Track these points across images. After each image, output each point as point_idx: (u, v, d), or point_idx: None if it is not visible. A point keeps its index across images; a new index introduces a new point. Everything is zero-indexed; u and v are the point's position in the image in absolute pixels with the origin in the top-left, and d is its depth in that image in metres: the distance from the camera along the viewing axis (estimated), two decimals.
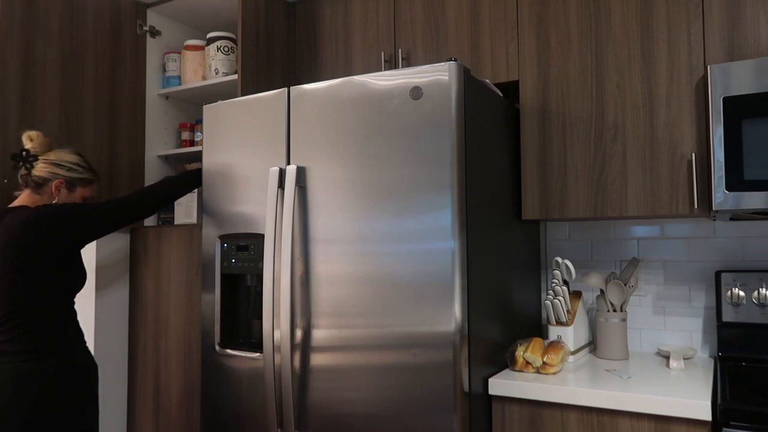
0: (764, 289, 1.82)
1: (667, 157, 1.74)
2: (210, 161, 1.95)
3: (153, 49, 2.60)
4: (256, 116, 1.85)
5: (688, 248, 2.02)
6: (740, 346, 1.84)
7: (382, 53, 2.23)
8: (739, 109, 1.57)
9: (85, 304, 2.37)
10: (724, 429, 1.37)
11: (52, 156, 1.79)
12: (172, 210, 2.52)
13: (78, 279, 1.77)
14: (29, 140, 1.79)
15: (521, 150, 1.95)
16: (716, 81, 1.60)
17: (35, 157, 1.78)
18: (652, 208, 1.75)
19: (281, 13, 2.44)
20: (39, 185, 1.78)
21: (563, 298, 1.88)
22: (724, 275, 1.88)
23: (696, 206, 1.68)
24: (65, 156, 1.80)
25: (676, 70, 1.74)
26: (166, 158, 2.63)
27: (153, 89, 2.59)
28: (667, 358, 1.94)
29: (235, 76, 2.37)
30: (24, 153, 1.77)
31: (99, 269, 2.37)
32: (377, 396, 1.58)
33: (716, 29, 1.69)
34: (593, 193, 1.83)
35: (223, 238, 1.90)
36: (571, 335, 1.86)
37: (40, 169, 1.77)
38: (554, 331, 1.88)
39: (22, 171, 1.78)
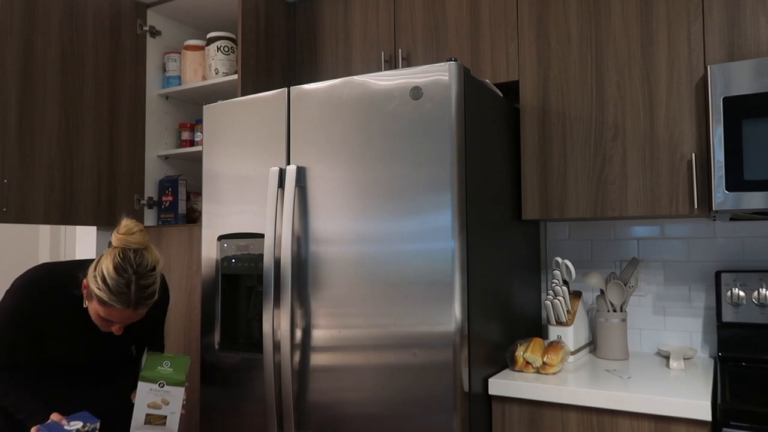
0: (764, 289, 1.82)
1: (667, 157, 1.74)
2: (210, 161, 1.95)
3: (153, 49, 2.60)
4: (256, 116, 1.85)
5: (688, 248, 2.02)
6: (740, 346, 1.84)
7: (382, 53, 2.23)
8: (739, 109, 1.57)
9: None
10: (724, 429, 1.37)
11: (104, 254, 1.53)
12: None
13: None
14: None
15: (521, 150, 1.95)
16: (716, 81, 1.60)
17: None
18: (652, 208, 1.75)
19: (281, 13, 2.44)
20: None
21: (563, 298, 1.88)
22: (724, 275, 1.88)
23: (696, 206, 1.67)
24: (103, 261, 1.50)
25: (676, 70, 1.74)
26: (166, 158, 2.62)
27: (153, 89, 2.59)
28: (667, 358, 1.94)
29: (235, 76, 2.37)
30: None
31: None
32: (377, 396, 1.58)
33: (716, 29, 1.69)
34: (593, 193, 1.83)
35: (223, 238, 1.90)
36: (571, 335, 1.86)
37: None
38: (554, 331, 1.88)
39: None
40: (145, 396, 1.62)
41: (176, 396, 1.64)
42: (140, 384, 1.62)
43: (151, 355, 1.66)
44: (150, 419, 1.62)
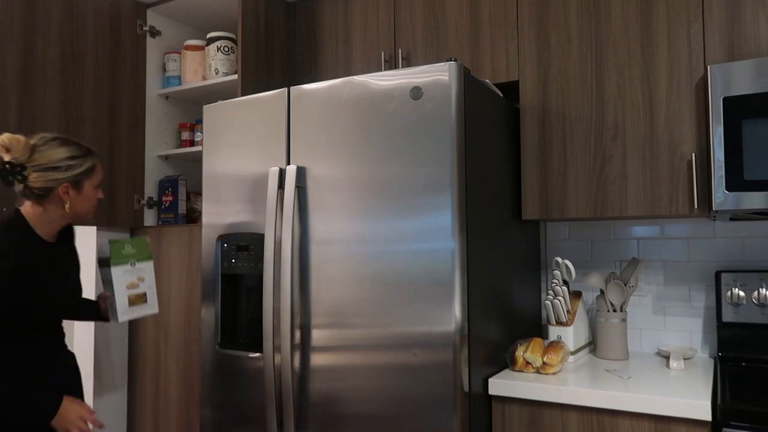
0: (764, 289, 1.82)
1: (667, 157, 1.74)
2: (210, 161, 1.95)
3: (153, 49, 2.60)
4: (256, 116, 1.85)
5: (688, 248, 2.02)
6: (740, 346, 1.84)
7: (382, 53, 2.23)
8: (739, 109, 1.57)
9: None
10: (724, 429, 1.37)
11: (41, 159, 1.52)
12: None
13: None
14: (5, 150, 1.50)
15: (521, 150, 1.95)
16: (716, 81, 1.60)
17: (23, 167, 1.50)
18: (652, 208, 1.75)
19: (281, 13, 2.44)
20: (42, 197, 1.53)
21: (563, 298, 1.88)
22: (724, 275, 1.88)
23: (696, 206, 1.68)
24: (54, 154, 1.52)
25: (676, 70, 1.74)
26: (166, 158, 2.63)
27: (153, 89, 2.59)
28: (667, 358, 1.94)
29: (235, 76, 2.37)
30: (8, 166, 1.49)
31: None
32: (377, 396, 1.58)
33: (716, 29, 1.69)
34: (593, 193, 1.83)
35: (223, 238, 1.90)
36: (571, 335, 1.86)
37: (35, 179, 1.51)
38: (554, 331, 1.88)
39: (18, 186, 1.53)
40: (121, 279, 1.70)
41: (148, 271, 1.78)
42: (114, 269, 1.69)
43: (112, 242, 1.72)
44: (132, 300, 1.72)
